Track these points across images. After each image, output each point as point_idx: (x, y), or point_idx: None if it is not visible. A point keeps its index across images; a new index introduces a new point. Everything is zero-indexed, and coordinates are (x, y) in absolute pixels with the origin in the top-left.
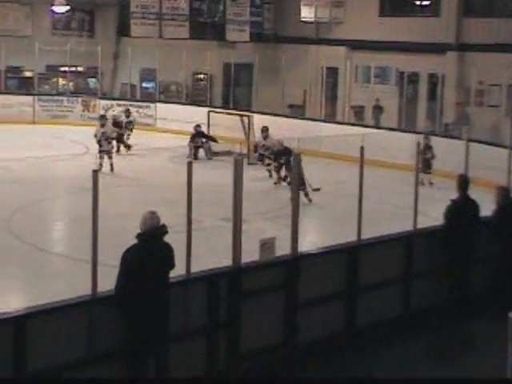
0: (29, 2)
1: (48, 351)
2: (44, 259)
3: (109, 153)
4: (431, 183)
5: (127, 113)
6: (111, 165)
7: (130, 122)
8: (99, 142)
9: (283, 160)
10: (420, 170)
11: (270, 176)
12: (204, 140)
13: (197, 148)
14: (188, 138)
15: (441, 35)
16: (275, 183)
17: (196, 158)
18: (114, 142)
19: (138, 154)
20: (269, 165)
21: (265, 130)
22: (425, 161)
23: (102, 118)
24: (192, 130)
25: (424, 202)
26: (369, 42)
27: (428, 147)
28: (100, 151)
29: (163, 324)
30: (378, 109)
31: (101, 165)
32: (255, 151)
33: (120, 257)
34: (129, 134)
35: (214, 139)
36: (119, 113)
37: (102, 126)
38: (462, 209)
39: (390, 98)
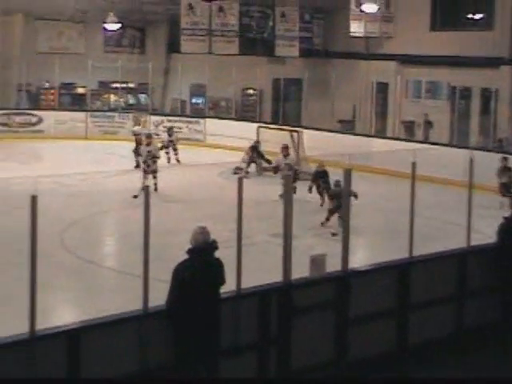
0: (82, 20)
1: (100, 365)
2: (96, 273)
3: (154, 172)
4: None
5: (170, 131)
6: (155, 184)
7: (172, 142)
8: (145, 161)
9: (321, 181)
10: (501, 192)
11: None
12: (256, 156)
13: (250, 163)
14: (241, 153)
15: (494, 49)
16: (321, 205)
17: (247, 172)
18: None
19: (186, 169)
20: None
21: (285, 148)
22: (502, 184)
23: (149, 136)
24: (250, 144)
25: (477, 219)
26: (419, 57)
27: (507, 169)
28: (145, 171)
29: (214, 339)
30: (428, 124)
31: (145, 184)
32: (275, 172)
33: (170, 272)
34: (175, 153)
35: (268, 160)
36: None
37: (148, 144)
38: None
39: (442, 113)
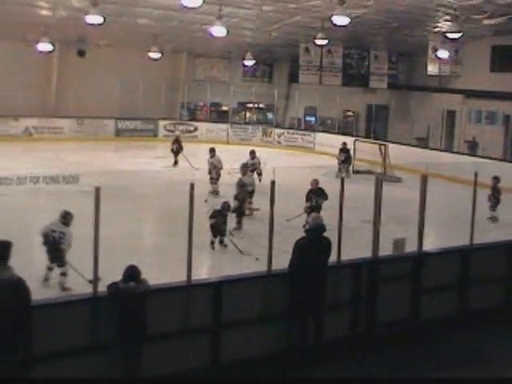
0: (227, 57)
1: (237, 308)
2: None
3: (216, 180)
4: None
5: (252, 154)
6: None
7: (253, 164)
8: (209, 171)
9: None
10: None
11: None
12: (344, 156)
13: (342, 162)
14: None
15: None
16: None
17: (340, 172)
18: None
19: (300, 170)
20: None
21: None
22: None
23: (212, 150)
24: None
25: None
26: (481, 92)
27: None
28: (210, 178)
29: (321, 296)
30: (475, 144)
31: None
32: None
33: (291, 246)
34: (259, 174)
35: (351, 160)
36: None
37: (212, 157)
38: None
39: (497, 136)
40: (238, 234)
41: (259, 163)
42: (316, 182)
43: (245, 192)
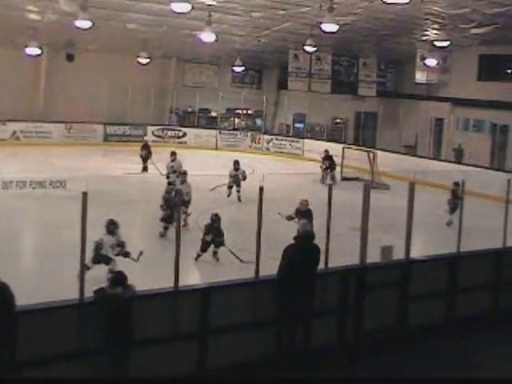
0: (216, 63)
1: (226, 315)
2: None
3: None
4: None
5: (236, 165)
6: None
7: (236, 176)
8: (167, 175)
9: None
10: None
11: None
12: (328, 163)
13: (325, 169)
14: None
15: None
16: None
17: (324, 179)
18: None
19: (289, 176)
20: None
21: (173, 153)
22: None
23: (173, 154)
24: (322, 154)
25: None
26: (468, 100)
27: None
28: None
29: (309, 303)
30: (460, 151)
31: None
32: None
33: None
34: (238, 190)
35: (334, 166)
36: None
37: (172, 160)
38: None
39: (484, 144)
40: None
41: (242, 175)
42: (306, 203)
43: (179, 201)
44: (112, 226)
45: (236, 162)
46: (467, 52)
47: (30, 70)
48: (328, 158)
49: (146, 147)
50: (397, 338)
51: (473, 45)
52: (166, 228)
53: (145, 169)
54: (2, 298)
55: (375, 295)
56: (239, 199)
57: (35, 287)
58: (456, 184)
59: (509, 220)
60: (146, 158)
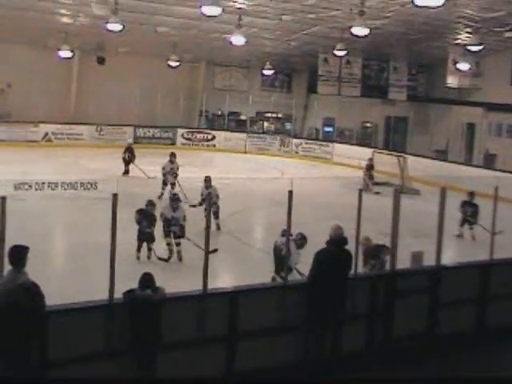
0: (246, 66)
1: (254, 318)
2: (248, 252)
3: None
4: None
5: (207, 183)
6: None
7: (209, 194)
8: (165, 175)
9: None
10: None
11: None
12: (370, 174)
13: (369, 178)
14: (358, 170)
15: None
16: None
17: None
18: None
19: (318, 180)
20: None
21: (173, 155)
22: None
23: (173, 155)
24: (367, 162)
25: None
26: (501, 105)
27: None
28: (170, 184)
29: (340, 308)
30: (491, 156)
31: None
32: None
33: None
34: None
35: (372, 177)
36: None
37: (172, 162)
38: None
39: None
40: None
41: (216, 195)
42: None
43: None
44: (174, 203)
45: (208, 180)
46: (500, 56)
47: (62, 73)
48: (372, 167)
49: (129, 150)
50: (425, 346)
51: (506, 49)
52: (139, 247)
53: (126, 172)
54: (32, 298)
55: (405, 301)
56: (218, 227)
57: (65, 288)
58: (471, 194)
59: None
60: (128, 161)
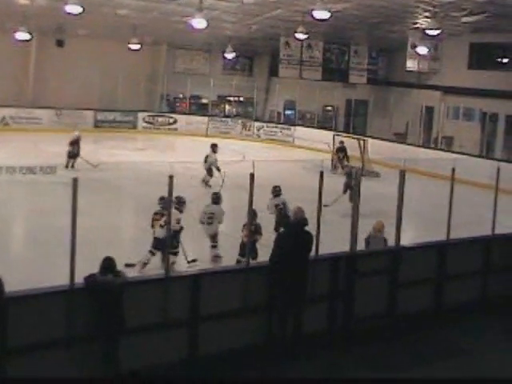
0: (207, 49)
1: (217, 301)
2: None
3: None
4: None
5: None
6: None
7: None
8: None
9: None
10: None
11: None
12: (342, 155)
13: (340, 160)
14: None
15: None
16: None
17: (336, 167)
18: None
19: (280, 163)
20: None
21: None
22: None
23: (214, 145)
24: (337, 144)
25: (501, 212)
26: (459, 89)
27: None
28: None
29: (302, 290)
30: (449, 139)
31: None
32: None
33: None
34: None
35: (348, 159)
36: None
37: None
38: None
39: (474, 132)
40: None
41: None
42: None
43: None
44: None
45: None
46: (458, 40)
47: (20, 56)
48: (342, 149)
49: (76, 143)
50: (385, 325)
51: (464, 33)
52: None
53: (68, 166)
54: None
55: (365, 282)
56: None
57: (26, 274)
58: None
59: (497, 208)
60: (74, 156)
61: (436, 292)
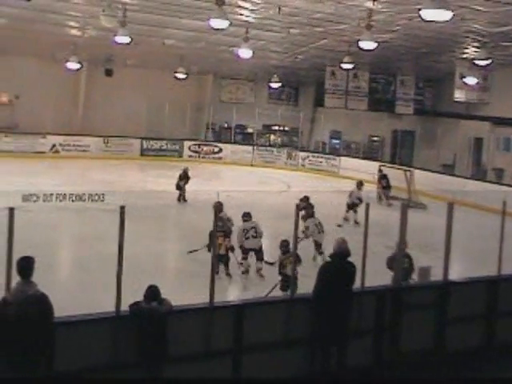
0: (253, 79)
1: (260, 332)
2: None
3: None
4: None
5: (359, 185)
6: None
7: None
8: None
9: None
10: None
11: None
12: (385, 183)
13: (383, 189)
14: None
15: None
16: None
17: (381, 198)
18: None
19: (325, 194)
20: None
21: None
22: None
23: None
24: (378, 173)
25: None
26: (509, 119)
27: None
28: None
29: (345, 322)
30: (500, 171)
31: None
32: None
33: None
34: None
35: (390, 186)
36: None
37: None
38: None
39: None
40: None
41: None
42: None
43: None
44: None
45: (360, 183)
46: (508, 70)
47: (70, 85)
48: (384, 177)
49: (185, 177)
50: (434, 361)
51: None
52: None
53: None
54: (42, 309)
55: (412, 316)
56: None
57: (73, 299)
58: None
59: None
60: (181, 188)
61: (487, 329)
